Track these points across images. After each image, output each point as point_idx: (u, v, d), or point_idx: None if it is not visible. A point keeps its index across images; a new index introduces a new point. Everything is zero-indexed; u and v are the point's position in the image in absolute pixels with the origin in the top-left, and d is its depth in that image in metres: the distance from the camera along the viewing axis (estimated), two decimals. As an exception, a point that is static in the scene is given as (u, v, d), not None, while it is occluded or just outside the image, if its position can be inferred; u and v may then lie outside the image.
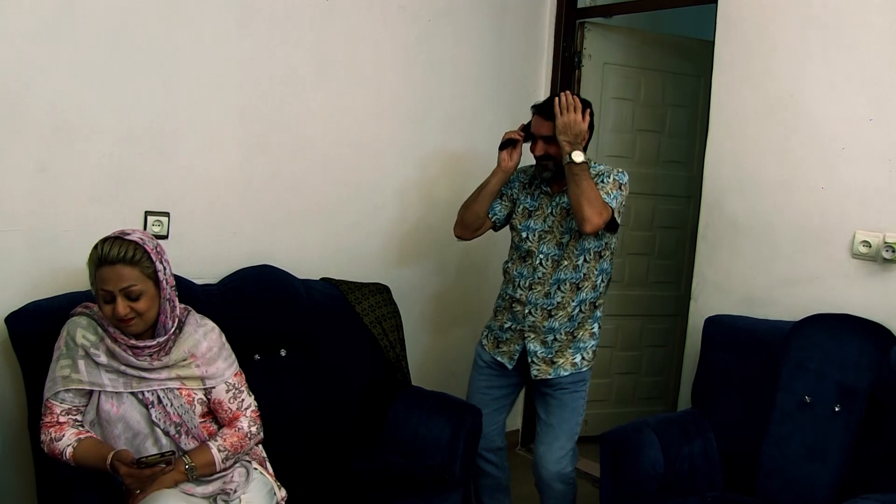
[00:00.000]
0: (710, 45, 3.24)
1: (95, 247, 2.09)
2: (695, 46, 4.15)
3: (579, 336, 2.83)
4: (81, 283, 2.57)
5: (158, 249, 2.16)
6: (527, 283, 2.82)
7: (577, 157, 2.58)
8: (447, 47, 3.57)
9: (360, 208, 3.36)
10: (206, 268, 2.86)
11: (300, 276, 2.98)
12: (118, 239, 2.09)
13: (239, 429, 2.24)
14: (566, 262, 2.76)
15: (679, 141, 4.22)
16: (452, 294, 3.83)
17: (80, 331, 2.14)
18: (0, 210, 2.48)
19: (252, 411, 2.31)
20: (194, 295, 2.62)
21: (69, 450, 2.05)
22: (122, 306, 2.06)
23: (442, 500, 2.68)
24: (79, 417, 2.14)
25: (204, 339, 2.25)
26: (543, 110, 2.74)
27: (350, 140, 3.27)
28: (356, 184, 3.31)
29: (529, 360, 2.83)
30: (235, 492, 2.15)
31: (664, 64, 4.15)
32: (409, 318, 3.35)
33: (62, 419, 2.11)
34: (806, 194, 2.90)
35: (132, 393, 2.14)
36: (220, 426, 2.28)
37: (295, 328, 2.86)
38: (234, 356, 2.35)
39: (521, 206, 2.88)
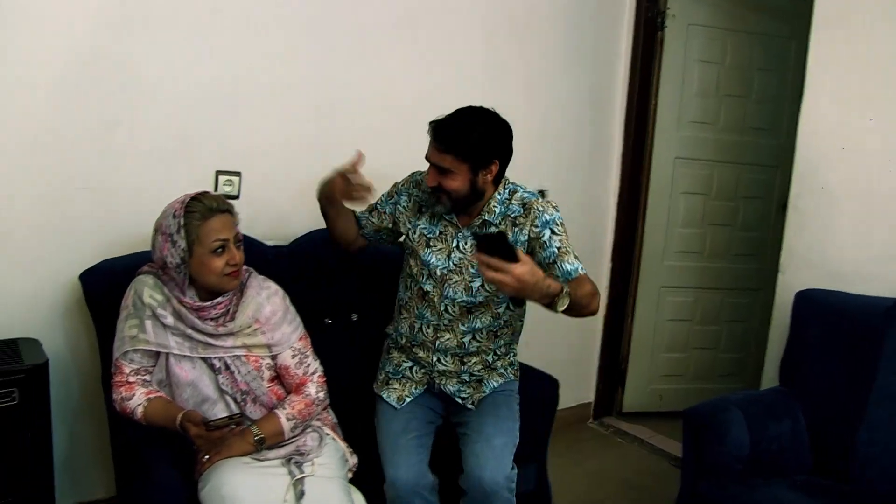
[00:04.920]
0: (804, 4, 3.04)
1: (197, 200, 2.06)
2: (786, 6, 3.92)
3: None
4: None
5: None
6: (431, 328, 2.44)
7: (563, 303, 2.02)
8: (525, 7, 3.44)
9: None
10: (278, 229, 2.82)
11: (373, 240, 2.90)
12: (208, 192, 2.10)
13: (307, 395, 2.19)
14: (482, 310, 2.40)
15: (767, 107, 4.02)
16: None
17: (147, 290, 2.11)
18: (72, 168, 2.49)
19: (319, 376, 2.25)
20: (265, 257, 2.58)
21: (139, 409, 2.04)
22: (238, 253, 2.09)
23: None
24: (147, 377, 2.12)
25: (267, 302, 2.20)
26: (440, 135, 2.22)
27: (424, 102, 3.14)
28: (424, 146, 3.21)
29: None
30: (309, 454, 2.11)
31: (753, 25, 3.94)
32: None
33: (131, 379, 2.09)
34: (912, 162, 2.70)
35: (202, 358, 2.11)
36: (288, 390, 2.24)
37: (367, 292, 2.80)
38: (298, 319, 2.29)
39: (417, 231, 2.44)
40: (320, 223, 2.89)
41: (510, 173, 2.47)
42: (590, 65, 3.70)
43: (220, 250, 2.05)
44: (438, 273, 2.38)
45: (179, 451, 2.07)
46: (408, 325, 2.49)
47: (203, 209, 2.04)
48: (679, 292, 4.12)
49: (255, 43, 2.74)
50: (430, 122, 2.26)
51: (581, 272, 2.24)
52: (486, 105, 2.64)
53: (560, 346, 3.81)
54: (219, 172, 2.71)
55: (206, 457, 2.01)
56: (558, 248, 2.26)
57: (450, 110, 3.20)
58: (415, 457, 2.30)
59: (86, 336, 2.56)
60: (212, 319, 2.12)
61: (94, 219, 2.54)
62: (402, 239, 2.53)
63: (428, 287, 2.40)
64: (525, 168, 3.47)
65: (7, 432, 2.11)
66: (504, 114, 3.36)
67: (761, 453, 2.47)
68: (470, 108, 2.28)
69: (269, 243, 2.72)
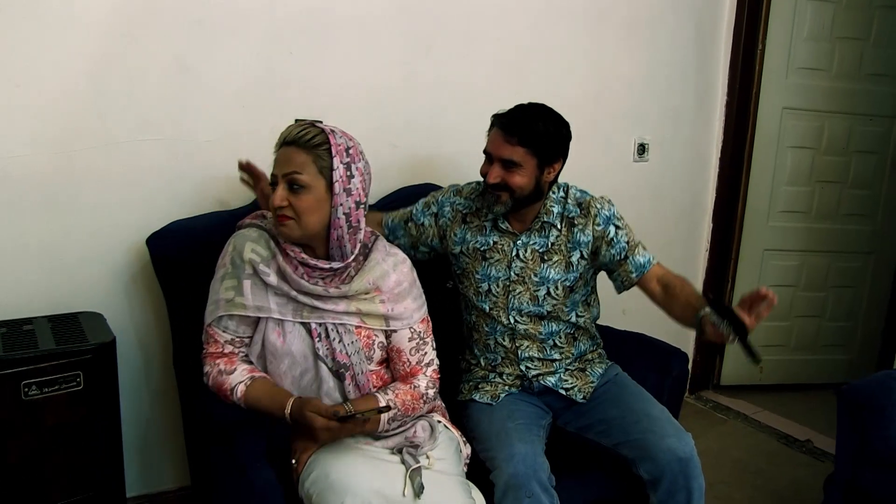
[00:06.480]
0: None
1: (291, 125, 1.80)
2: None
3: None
4: (228, 200, 2.29)
5: (351, 152, 1.77)
6: (507, 338, 2.25)
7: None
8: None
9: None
10: (363, 185, 2.50)
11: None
12: (311, 122, 1.79)
13: (415, 387, 1.87)
14: (554, 319, 2.25)
15: (887, 50, 3.61)
16: (652, 218, 3.40)
17: (250, 244, 1.81)
18: (137, 116, 2.19)
19: (433, 371, 1.94)
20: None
21: (241, 387, 1.74)
22: (279, 194, 1.72)
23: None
24: (244, 350, 1.83)
25: (393, 270, 1.88)
26: (513, 126, 2.05)
27: (519, 44, 2.86)
28: (525, 93, 2.86)
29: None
30: (422, 446, 1.81)
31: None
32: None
33: (227, 349, 1.80)
34: None
35: (301, 323, 1.81)
36: (394, 378, 1.93)
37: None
38: (424, 297, 1.97)
39: (469, 247, 2.24)
40: (411, 180, 2.62)
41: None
42: (696, 4, 3.32)
43: (273, 182, 1.77)
44: (500, 285, 2.20)
45: (271, 436, 1.80)
46: (482, 344, 2.30)
47: (281, 137, 1.78)
48: (783, 256, 3.76)
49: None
50: (495, 115, 2.13)
51: (654, 262, 2.20)
52: (584, 49, 2.33)
53: (654, 313, 3.47)
54: (298, 121, 2.39)
55: (294, 461, 1.74)
56: (627, 243, 2.19)
57: (541, 49, 2.90)
58: (527, 443, 1.97)
59: (152, 309, 2.30)
60: (319, 278, 1.80)
61: (162, 175, 2.25)
62: (455, 250, 2.27)
63: (487, 306, 2.24)
64: (628, 119, 3.18)
65: (72, 421, 1.84)
66: (602, 60, 3.07)
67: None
68: (534, 103, 2.14)
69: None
